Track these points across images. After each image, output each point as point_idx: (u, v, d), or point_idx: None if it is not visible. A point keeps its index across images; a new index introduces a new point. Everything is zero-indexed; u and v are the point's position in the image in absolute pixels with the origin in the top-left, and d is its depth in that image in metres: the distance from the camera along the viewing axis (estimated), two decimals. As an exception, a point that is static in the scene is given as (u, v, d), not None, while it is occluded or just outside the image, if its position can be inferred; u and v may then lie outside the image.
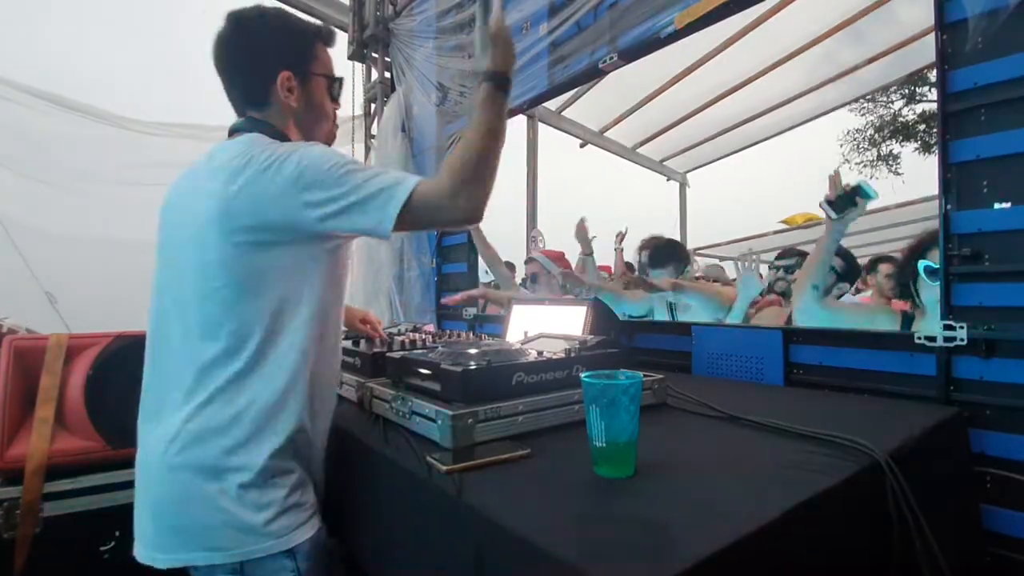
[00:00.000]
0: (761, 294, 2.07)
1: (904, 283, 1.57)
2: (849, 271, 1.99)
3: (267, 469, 0.87)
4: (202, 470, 0.85)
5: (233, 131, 1.00)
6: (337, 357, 1.08)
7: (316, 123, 1.05)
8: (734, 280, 2.41)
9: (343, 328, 1.13)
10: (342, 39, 3.34)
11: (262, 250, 0.88)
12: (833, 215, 1.47)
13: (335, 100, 1.08)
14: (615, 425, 0.72)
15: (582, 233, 2.68)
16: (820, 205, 1.50)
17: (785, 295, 2.09)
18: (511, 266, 5.17)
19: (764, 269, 2.28)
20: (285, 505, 0.88)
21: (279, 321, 0.90)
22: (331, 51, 1.07)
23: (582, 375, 0.75)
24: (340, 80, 1.08)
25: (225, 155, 0.90)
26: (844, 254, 2.02)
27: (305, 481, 0.95)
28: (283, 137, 0.98)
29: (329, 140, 1.09)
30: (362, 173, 0.87)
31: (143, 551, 0.90)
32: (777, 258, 2.38)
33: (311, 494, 0.97)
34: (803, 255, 2.27)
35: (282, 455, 0.89)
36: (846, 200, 1.46)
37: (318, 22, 1.06)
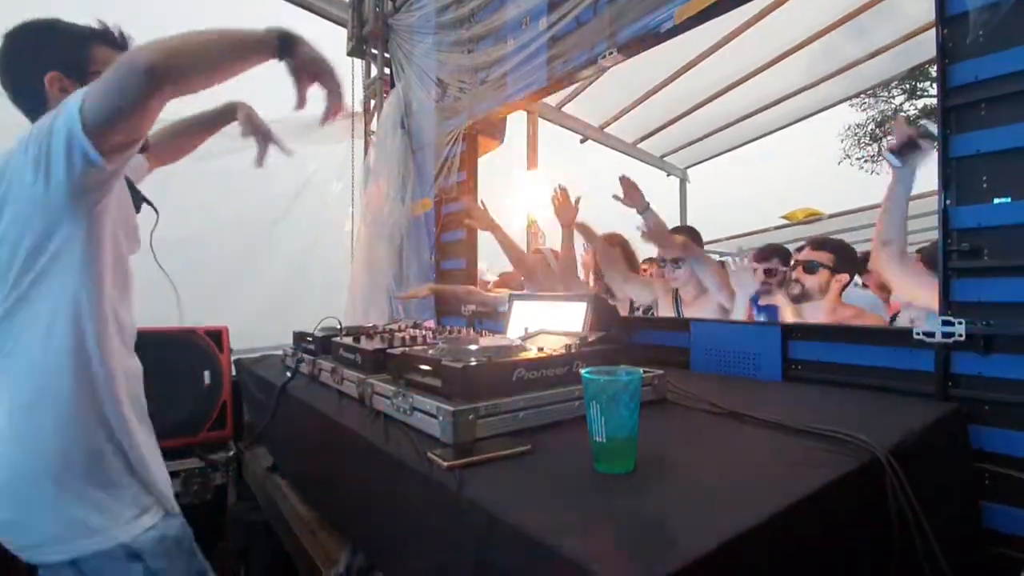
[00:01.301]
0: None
1: None
2: (841, 263, 1.94)
3: None
4: None
5: None
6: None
7: None
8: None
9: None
10: (341, 35, 3.33)
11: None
12: (896, 163, 1.41)
13: None
14: (615, 421, 0.72)
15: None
16: (883, 154, 1.43)
17: (802, 298, 1.97)
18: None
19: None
20: None
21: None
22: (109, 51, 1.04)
23: (582, 371, 0.75)
24: None
25: None
26: (836, 246, 2.00)
27: None
28: None
29: None
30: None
31: None
32: (758, 259, 2.23)
33: None
34: (784, 254, 2.24)
35: None
36: (911, 147, 1.39)
37: (99, 25, 1.05)
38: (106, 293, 0.96)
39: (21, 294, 0.89)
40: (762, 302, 2.10)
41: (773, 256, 2.22)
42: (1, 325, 0.90)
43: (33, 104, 1.00)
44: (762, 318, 2.05)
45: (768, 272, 2.17)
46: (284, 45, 0.93)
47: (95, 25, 1.04)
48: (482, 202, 2.55)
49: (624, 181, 2.05)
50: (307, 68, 0.97)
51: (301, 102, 0.99)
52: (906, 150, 1.39)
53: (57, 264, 0.89)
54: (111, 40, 1.06)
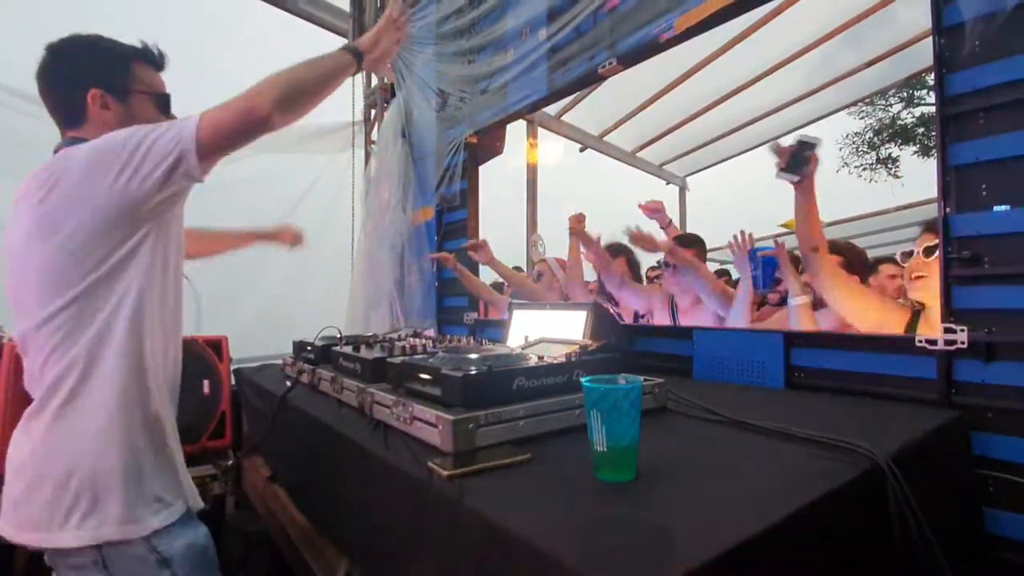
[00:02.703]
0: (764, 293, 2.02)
1: None
2: (849, 265, 1.91)
3: None
4: None
5: (56, 150, 1.03)
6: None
7: None
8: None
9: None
10: (340, 44, 3.35)
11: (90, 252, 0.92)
12: (794, 178, 1.45)
13: (167, 115, 1.12)
14: (616, 429, 0.72)
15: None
16: (777, 176, 1.48)
17: (815, 304, 1.92)
18: (519, 269, 5.16)
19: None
20: None
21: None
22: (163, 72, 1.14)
23: (583, 380, 0.75)
24: (166, 96, 1.13)
25: (42, 172, 0.95)
26: (844, 248, 1.97)
27: None
28: None
29: None
30: (150, 129, 0.92)
31: None
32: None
33: None
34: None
35: None
36: (797, 161, 1.44)
37: (140, 44, 1.10)
38: (167, 292, 1.03)
39: (88, 287, 0.92)
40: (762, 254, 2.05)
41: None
42: (65, 315, 0.92)
43: (72, 118, 1.04)
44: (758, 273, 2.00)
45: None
46: (360, 61, 1.12)
47: (137, 44, 1.09)
48: (484, 240, 2.62)
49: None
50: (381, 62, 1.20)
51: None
52: (793, 165, 1.44)
53: (127, 262, 0.94)
54: (151, 59, 1.10)
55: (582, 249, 2.33)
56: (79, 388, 0.92)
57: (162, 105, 1.11)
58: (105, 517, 0.90)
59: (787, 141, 1.47)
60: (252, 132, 0.94)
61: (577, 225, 2.37)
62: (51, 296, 0.91)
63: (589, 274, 2.75)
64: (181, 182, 0.93)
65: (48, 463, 0.90)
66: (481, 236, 2.69)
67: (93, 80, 1.03)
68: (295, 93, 0.97)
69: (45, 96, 1.05)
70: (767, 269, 2.01)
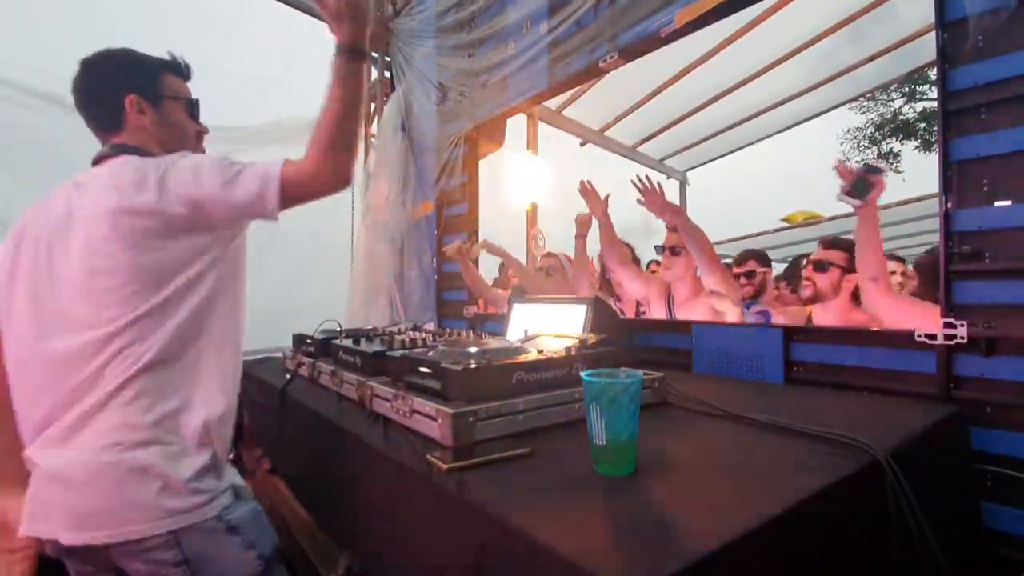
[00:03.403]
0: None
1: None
2: (853, 262, 1.90)
3: None
4: None
5: (99, 158, 1.09)
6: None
7: (176, 140, 1.16)
8: None
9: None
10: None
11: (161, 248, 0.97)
12: (857, 202, 1.45)
13: (195, 120, 1.20)
14: (615, 423, 0.72)
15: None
16: (839, 199, 1.48)
17: (815, 298, 1.93)
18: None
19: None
20: None
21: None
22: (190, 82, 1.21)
23: (582, 373, 0.75)
24: (195, 101, 1.20)
25: (111, 177, 1.00)
26: (848, 245, 1.96)
27: None
28: (148, 155, 1.08)
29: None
30: (232, 168, 0.98)
31: None
32: (736, 263, 2.27)
33: None
34: (762, 258, 2.24)
35: None
36: (862, 184, 1.44)
37: (169, 56, 1.18)
38: (234, 301, 1.09)
39: (166, 297, 0.97)
40: (754, 309, 2.08)
41: (749, 259, 2.23)
42: (139, 327, 0.96)
43: (112, 123, 1.11)
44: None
45: (747, 276, 2.18)
46: (354, 53, 1.01)
47: (165, 57, 1.18)
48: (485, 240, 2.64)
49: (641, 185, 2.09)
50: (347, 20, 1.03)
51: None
52: (857, 188, 1.44)
53: (203, 276, 1.01)
54: (178, 70, 1.18)
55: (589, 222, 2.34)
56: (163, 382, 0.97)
57: (192, 110, 1.19)
58: (184, 502, 0.94)
59: (853, 166, 1.48)
60: (320, 192, 1.01)
61: (584, 229, 2.40)
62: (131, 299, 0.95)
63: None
64: (255, 216, 1.03)
65: (123, 457, 0.92)
66: (481, 231, 2.69)
67: (128, 88, 1.10)
68: (353, 145, 1.01)
69: (83, 106, 1.12)
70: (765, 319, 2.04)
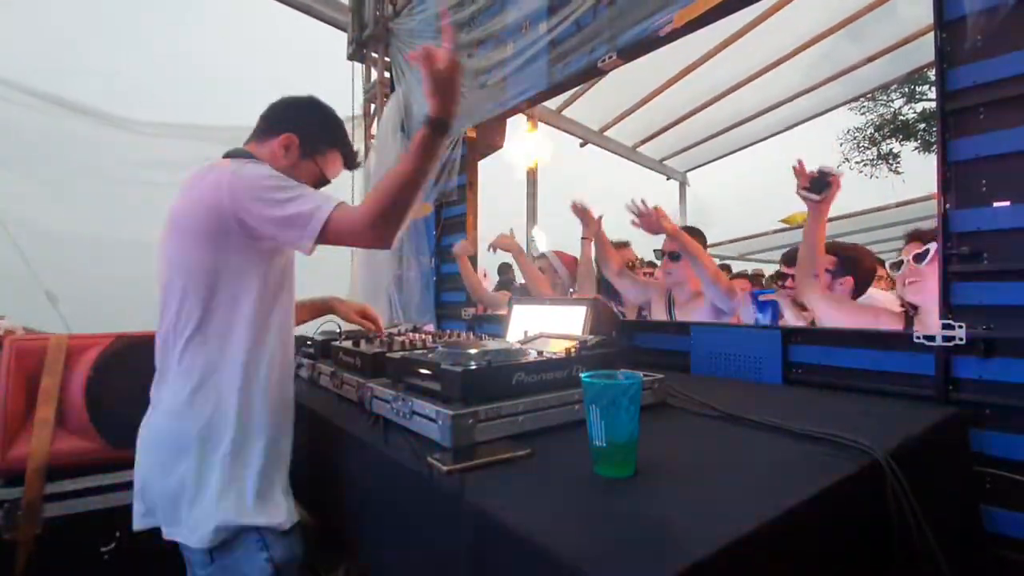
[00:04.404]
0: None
1: None
2: (842, 267, 1.90)
3: None
4: None
5: (227, 155, 1.17)
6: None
7: None
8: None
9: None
10: (342, 39, 3.34)
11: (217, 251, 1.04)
12: (816, 197, 1.56)
13: (319, 184, 1.26)
14: (615, 425, 0.72)
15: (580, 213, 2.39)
16: (798, 194, 1.59)
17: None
18: (507, 267, 5.16)
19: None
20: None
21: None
22: (346, 173, 1.34)
23: (582, 375, 0.75)
24: (327, 182, 1.28)
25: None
26: (837, 249, 1.97)
27: None
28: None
29: None
30: (288, 192, 1.01)
31: None
32: (784, 263, 2.27)
33: None
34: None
35: None
36: (820, 183, 1.56)
37: (349, 144, 1.30)
38: (273, 317, 1.12)
39: (210, 309, 1.04)
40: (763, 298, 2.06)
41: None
42: (191, 342, 1.04)
43: (258, 135, 1.21)
44: (764, 316, 2.01)
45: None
46: (441, 126, 1.00)
47: (349, 141, 1.30)
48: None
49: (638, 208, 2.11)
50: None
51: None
52: (815, 186, 1.56)
53: (241, 293, 1.06)
54: (349, 157, 1.30)
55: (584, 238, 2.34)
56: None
57: (319, 183, 1.25)
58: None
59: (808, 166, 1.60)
60: (364, 243, 1.03)
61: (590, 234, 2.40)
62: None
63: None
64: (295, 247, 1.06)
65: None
66: (479, 231, 2.69)
67: (299, 129, 1.20)
68: (398, 206, 1.01)
69: (267, 116, 1.23)
70: (772, 309, 2.02)
